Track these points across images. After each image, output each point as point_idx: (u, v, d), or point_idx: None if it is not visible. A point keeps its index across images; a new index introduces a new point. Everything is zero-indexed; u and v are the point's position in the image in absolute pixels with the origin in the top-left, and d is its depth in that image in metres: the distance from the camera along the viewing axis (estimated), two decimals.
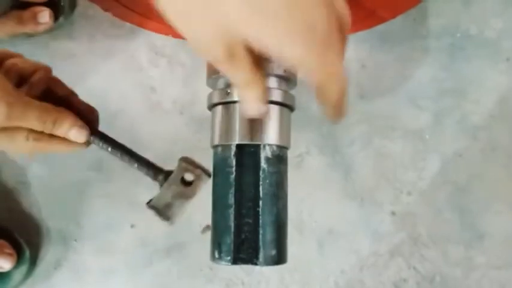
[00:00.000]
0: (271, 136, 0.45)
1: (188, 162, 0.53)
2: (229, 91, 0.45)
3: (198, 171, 0.53)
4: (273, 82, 0.45)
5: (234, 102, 0.45)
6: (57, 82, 0.53)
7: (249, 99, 0.39)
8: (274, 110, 0.45)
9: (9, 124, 0.45)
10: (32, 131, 0.47)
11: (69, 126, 0.49)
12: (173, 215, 0.53)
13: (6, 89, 0.45)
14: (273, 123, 0.45)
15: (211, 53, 0.35)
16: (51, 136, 0.48)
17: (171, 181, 0.53)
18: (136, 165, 0.54)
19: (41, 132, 0.47)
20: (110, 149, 0.53)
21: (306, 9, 0.33)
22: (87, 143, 0.52)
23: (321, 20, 0.34)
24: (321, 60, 0.35)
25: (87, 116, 0.52)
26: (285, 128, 0.47)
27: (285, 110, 0.46)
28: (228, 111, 0.46)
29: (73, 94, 0.54)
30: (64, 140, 0.49)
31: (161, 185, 0.53)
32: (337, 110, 0.40)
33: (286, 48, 0.34)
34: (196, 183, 0.53)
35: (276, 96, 0.45)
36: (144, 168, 0.54)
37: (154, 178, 0.54)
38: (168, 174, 0.53)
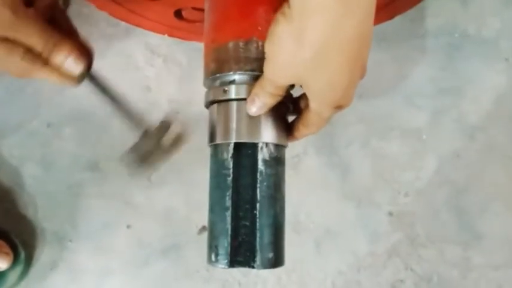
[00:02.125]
0: (269, 134, 0.45)
1: (169, 125, 0.54)
2: (226, 89, 0.45)
3: (177, 134, 0.53)
4: None
5: (232, 100, 0.45)
6: (63, 13, 0.52)
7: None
8: (272, 108, 0.45)
9: (11, 34, 0.44)
10: (30, 51, 0.45)
11: (68, 52, 0.47)
12: (143, 169, 0.53)
13: (14, 1, 0.43)
14: (271, 121, 0.45)
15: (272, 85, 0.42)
16: (47, 63, 0.47)
17: (150, 136, 0.53)
18: (121, 113, 0.53)
19: (38, 56, 0.46)
20: (99, 91, 0.53)
21: (357, 71, 0.40)
22: (79, 79, 0.50)
23: (359, 78, 0.41)
24: (335, 111, 0.42)
25: (83, 53, 0.51)
26: (283, 126, 0.46)
27: (283, 106, 0.46)
28: (226, 109, 0.45)
29: (74, 30, 0.52)
30: (57, 70, 0.48)
31: (140, 138, 0.53)
32: (303, 134, 0.47)
33: (328, 95, 0.40)
34: (172, 145, 0.54)
35: None
36: (128, 117, 0.53)
37: (135, 129, 0.53)
38: (148, 130, 0.53)
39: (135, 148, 0.53)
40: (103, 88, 0.53)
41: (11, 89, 0.86)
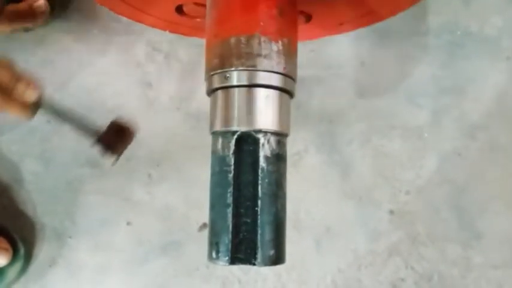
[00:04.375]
0: (270, 121, 0.44)
1: (117, 127, 0.67)
2: (228, 75, 0.45)
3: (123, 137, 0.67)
4: (272, 66, 0.45)
5: (233, 86, 0.45)
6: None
7: None
8: (274, 95, 0.44)
9: None
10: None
11: (28, 83, 0.58)
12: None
13: None
14: (273, 108, 0.44)
15: None
16: (10, 95, 0.57)
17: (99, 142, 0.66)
18: (75, 128, 0.65)
19: (5, 90, 0.56)
20: (54, 115, 0.64)
21: None
22: (36, 108, 0.61)
23: None
24: None
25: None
26: (284, 114, 0.46)
27: (284, 95, 0.46)
28: (227, 96, 0.45)
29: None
30: (19, 100, 0.58)
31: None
32: None
33: None
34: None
35: (275, 81, 0.45)
36: (82, 130, 0.65)
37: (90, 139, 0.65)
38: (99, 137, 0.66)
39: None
40: (56, 111, 0.63)
41: None
